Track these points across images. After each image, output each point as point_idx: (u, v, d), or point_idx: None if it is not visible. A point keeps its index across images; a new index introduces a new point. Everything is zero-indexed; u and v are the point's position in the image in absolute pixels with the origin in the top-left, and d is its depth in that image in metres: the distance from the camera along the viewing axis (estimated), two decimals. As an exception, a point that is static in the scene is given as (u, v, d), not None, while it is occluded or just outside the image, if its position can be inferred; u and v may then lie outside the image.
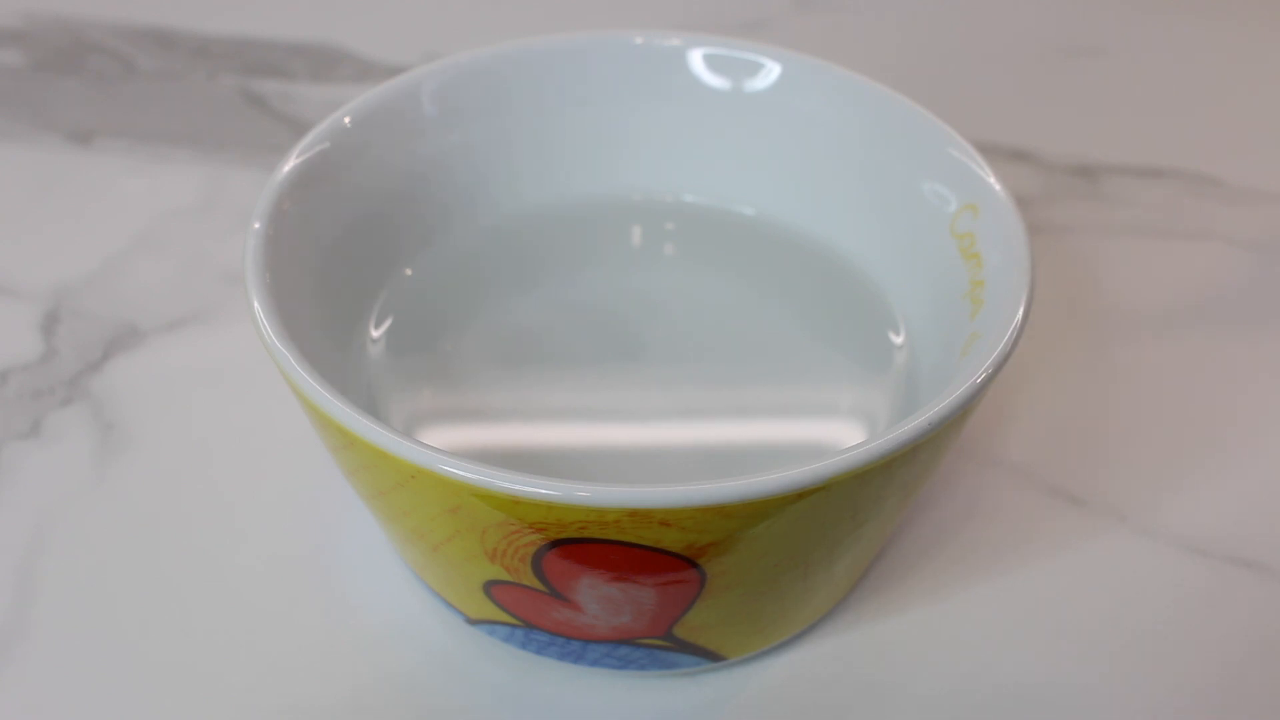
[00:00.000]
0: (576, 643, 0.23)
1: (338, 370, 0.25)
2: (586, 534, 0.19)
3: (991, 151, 0.39)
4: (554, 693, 0.25)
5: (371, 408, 0.26)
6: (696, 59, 0.29)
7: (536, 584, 0.21)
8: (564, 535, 0.20)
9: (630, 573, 0.20)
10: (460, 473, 0.19)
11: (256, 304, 0.22)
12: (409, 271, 0.28)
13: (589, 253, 0.30)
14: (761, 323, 0.28)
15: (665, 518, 0.19)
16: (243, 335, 0.29)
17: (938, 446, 0.21)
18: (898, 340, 0.27)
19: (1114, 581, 0.27)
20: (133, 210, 0.36)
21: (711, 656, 0.24)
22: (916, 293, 0.27)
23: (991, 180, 0.25)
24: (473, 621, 0.25)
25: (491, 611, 0.23)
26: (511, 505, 0.19)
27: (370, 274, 0.27)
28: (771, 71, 0.29)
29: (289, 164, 0.25)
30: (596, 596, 0.21)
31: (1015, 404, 0.31)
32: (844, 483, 0.19)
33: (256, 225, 0.24)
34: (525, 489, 0.19)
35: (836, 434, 0.26)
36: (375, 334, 0.27)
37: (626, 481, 0.19)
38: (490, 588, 0.22)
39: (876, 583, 0.27)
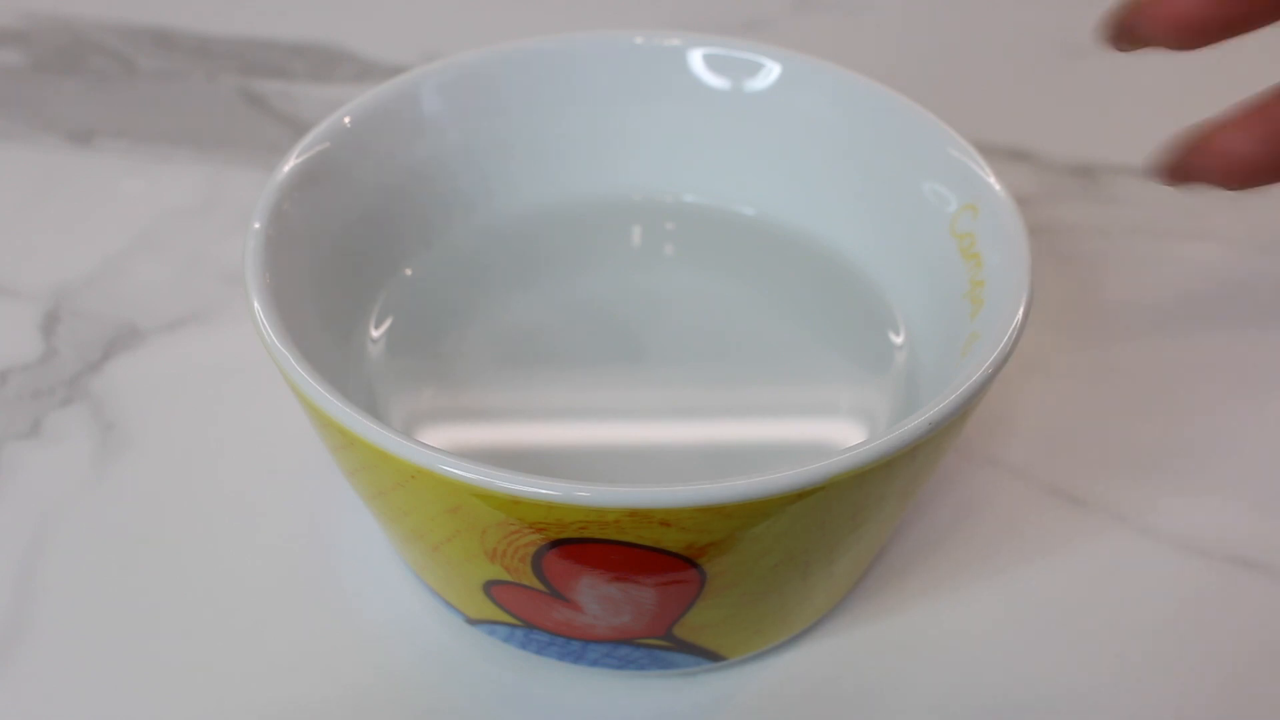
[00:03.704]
0: (576, 643, 0.23)
1: (338, 370, 0.25)
2: (586, 534, 0.19)
3: (991, 151, 0.39)
4: (554, 693, 0.25)
5: (371, 408, 0.26)
6: (696, 59, 0.29)
7: (536, 584, 0.21)
8: (564, 535, 0.20)
9: (630, 573, 0.20)
10: (460, 473, 0.19)
11: (256, 304, 0.22)
12: (409, 271, 0.28)
13: (589, 253, 0.30)
14: (761, 323, 0.28)
15: (665, 518, 0.19)
16: (243, 335, 0.29)
17: (938, 446, 0.21)
18: (898, 340, 0.27)
19: (1114, 581, 0.27)
20: (133, 210, 0.36)
21: (711, 656, 0.24)
22: (916, 293, 0.27)
23: (991, 180, 0.25)
24: (473, 621, 0.25)
25: (491, 611, 0.23)
26: (511, 505, 0.19)
27: (370, 274, 0.27)
28: (771, 71, 0.29)
29: (289, 164, 0.25)
30: (596, 596, 0.21)
31: (1015, 404, 0.31)
32: (844, 483, 0.19)
33: (256, 225, 0.24)
34: (525, 489, 0.19)
35: (836, 434, 0.26)
36: (375, 334, 0.27)
37: (626, 481, 0.19)
38: (490, 588, 0.22)
39: (876, 583, 0.27)
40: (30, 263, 0.34)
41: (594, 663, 0.24)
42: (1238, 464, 0.30)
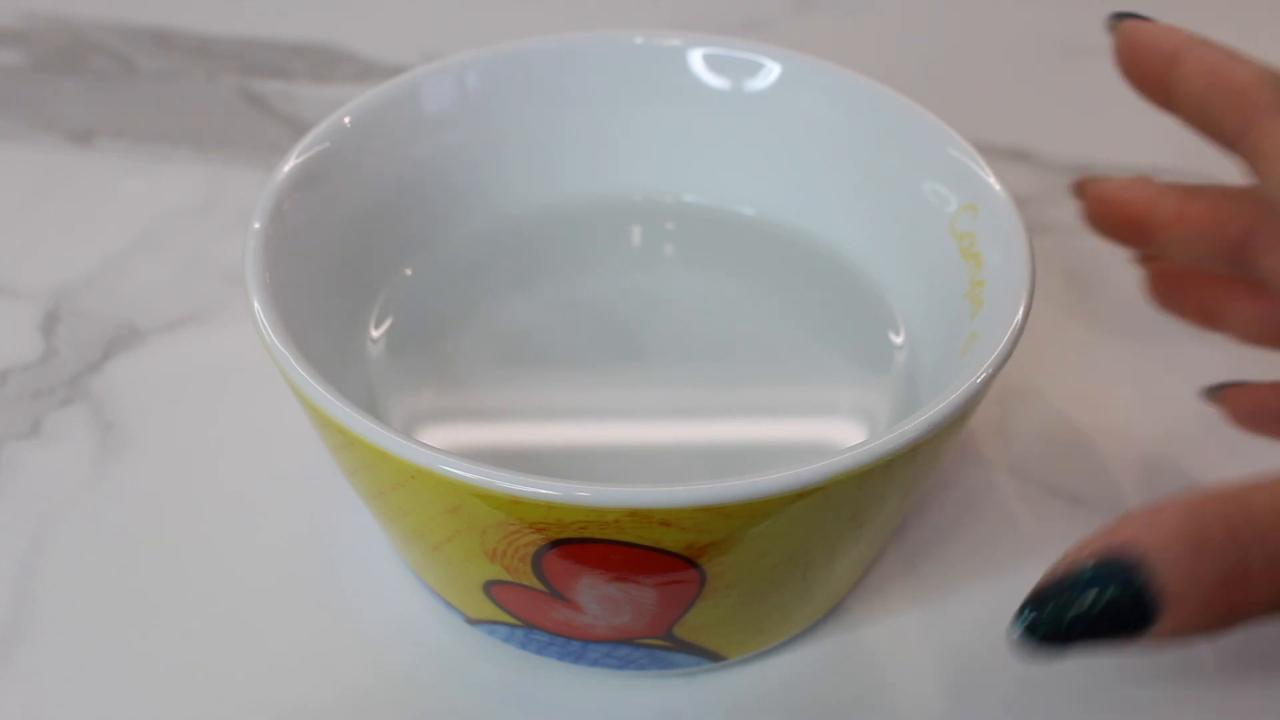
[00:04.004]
0: (576, 643, 0.23)
1: (338, 370, 0.25)
2: (586, 534, 0.19)
3: (991, 151, 0.39)
4: (554, 693, 0.25)
5: (371, 408, 0.26)
6: (696, 59, 0.29)
7: (536, 584, 0.21)
8: (564, 535, 0.20)
9: (630, 573, 0.20)
10: (460, 473, 0.19)
11: (256, 304, 0.22)
12: (409, 271, 0.28)
13: (589, 253, 0.30)
14: (761, 323, 0.28)
15: (665, 518, 0.19)
16: (243, 335, 0.29)
17: (938, 446, 0.21)
18: (898, 340, 0.27)
19: (1114, 581, 0.27)
20: (133, 210, 0.36)
21: (711, 656, 0.24)
22: (916, 293, 0.27)
23: (991, 180, 0.25)
24: (473, 621, 0.25)
25: (491, 611, 0.23)
26: (511, 505, 0.19)
27: (370, 274, 0.27)
28: (771, 71, 0.29)
29: (289, 164, 0.25)
30: (596, 596, 0.21)
31: (1015, 404, 0.31)
32: (844, 483, 0.19)
33: (256, 225, 0.24)
34: (525, 489, 0.19)
35: (836, 434, 0.26)
36: (375, 334, 0.27)
37: (626, 481, 0.19)
38: (490, 588, 0.22)
39: (876, 583, 0.27)
40: (30, 263, 0.34)
41: (594, 663, 0.24)
42: (1237, 465, 0.30)
